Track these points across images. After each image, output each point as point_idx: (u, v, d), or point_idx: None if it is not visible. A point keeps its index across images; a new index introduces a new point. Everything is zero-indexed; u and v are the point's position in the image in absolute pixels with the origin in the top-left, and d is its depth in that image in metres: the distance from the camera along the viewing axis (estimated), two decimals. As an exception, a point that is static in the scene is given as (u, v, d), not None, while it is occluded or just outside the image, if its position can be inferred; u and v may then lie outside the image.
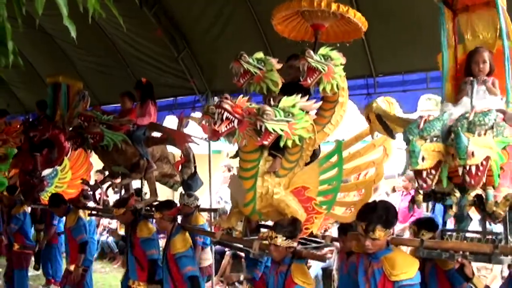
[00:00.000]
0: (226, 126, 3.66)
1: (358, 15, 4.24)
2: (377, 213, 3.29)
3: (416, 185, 3.17)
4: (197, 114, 7.70)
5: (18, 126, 8.30)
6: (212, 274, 7.86)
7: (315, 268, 7.87)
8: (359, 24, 4.28)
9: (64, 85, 7.73)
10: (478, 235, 3.44)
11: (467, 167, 2.89)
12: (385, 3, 5.48)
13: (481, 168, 2.90)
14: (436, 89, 5.61)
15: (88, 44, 8.54)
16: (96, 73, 9.38)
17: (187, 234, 5.08)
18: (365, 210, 3.39)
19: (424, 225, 3.91)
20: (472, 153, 2.83)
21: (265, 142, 3.69)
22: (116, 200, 6.07)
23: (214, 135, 3.73)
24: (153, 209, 5.33)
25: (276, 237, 3.70)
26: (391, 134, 3.75)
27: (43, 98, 8.05)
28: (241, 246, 4.42)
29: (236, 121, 3.69)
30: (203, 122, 3.80)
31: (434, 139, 3.03)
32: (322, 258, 4.01)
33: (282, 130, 3.67)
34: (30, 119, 9.29)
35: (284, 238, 3.70)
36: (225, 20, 7.02)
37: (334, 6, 4.04)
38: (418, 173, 3.03)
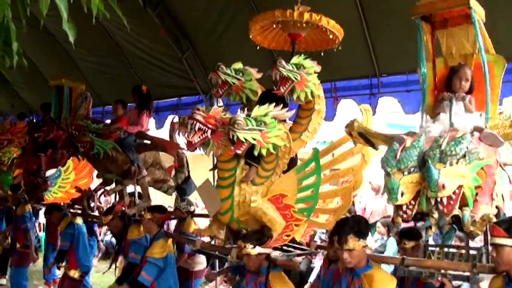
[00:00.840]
0: (199, 137, 3.71)
1: (332, 23, 4.24)
2: (348, 225, 3.38)
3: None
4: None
5: (23, 126, 8.40)
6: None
7: (318, 268, 7.89)
8: (334, 31, 4.27)
9: (67, 88, 7.79)
10: (461, 250, 3.48)
11: (439, 198, 2.96)
12: (389, 3, 5.46)
13: (453, 197, 2.97)
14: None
15: (92, 45, 8.62)
16: (99, 74, 9.46)
17: (169, 241, 5.13)
18: (337, 225, 3.50)
19: (405, 235, 3.98)
20: (443, 185, 2.89)
21: (239, 151, 3.73)
22: (105, 209, 6.16)
23: (189, 146, 3.79)
24: (144, 210, 5.37)
25: (245, 246, 3.77)
26: (373, 145, 3.78)
27: (46, 98, 8.14)
28: (219, 254, 4.47)
29: (209, 131, 3.73)
30: (180, 134, 3.86)
31: (412, 169, 3.06)
32: (294, 266, 4.03)
33: (254, 139, 3.70)
34: (34, 120, 9.45)
35: (252, 246, 3.76)
36: (229, 20, 7.05)
37: (306, 16, 4.04)
38: (398, 206, 3.11)
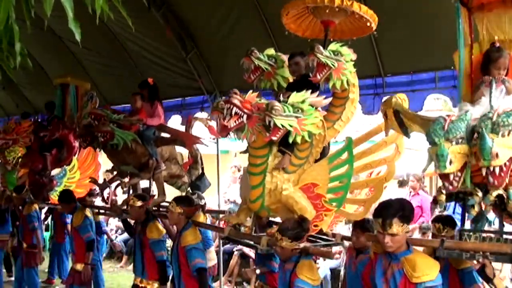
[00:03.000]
0: (235, 121, 3.66)
1: (365, 8, 4.19)
2: (393, 208, 3.21)
3: (440, 186, 3.18)
4: (205, 115, 7.69)
5: (28, 126, 8.28)
6: (220, 274, 7.88)
7: (323, 269, 7.84)
8: (368, 18, 4.23)
9: (73, 86, 7.76)
10: (496, 235, 3.44)
11: (491, 168, 2.90)
12: (394, 2, 5.43)
13: (504, 169, 2.92)
14: (444, 88, 5.60)
15: (97, 45, 8.54)
16: (104, 74, 9.39)
17: (197, 229, 5.05)
18: (381, 207, 3.33)
19: (447, 222, 3.95)
20: (497, 154, 2.83)
21: (274, 138, 3.67)
22: (137, 193, 6.02)
23: (223, 131, 3.73)
24: (171, 203, 5.21)
25: (282, 239, 3.69)
26: (406, 132, 3.69)
27: (51, 98, 8.11)
28: (249, 242, 4.39)
29: (245, 116, 3.68)
30: (213, 118, 3.79)
31: (459, 140, 3.01)
32: (329, 255, 3.95)
33: (291, 126, 3.65)
34: (39, 119, 9.34)
35: (290, 240, 3.68)
36: (234, 20, 7.00)
37: (338, 1, 3.99)
38: (445, 176, 3.02)
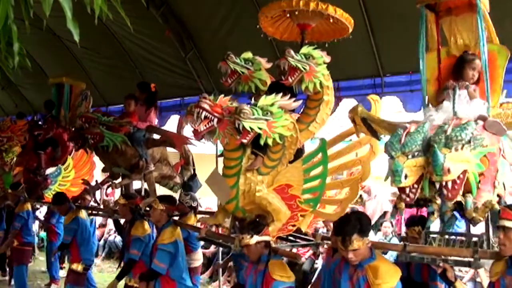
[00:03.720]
0: (205, 125, 3.71)
1: (340, 12, 4.22)
2: (351, 224, 3.30)
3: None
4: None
5: (23, 124, 8.39)
6: (219, 274, 7.95)
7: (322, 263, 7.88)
8: (343, 21, 4.25)
9: (67, 86, 7.83)
10: (462, 237, 3.47)
11: (444, 182, 2.94)
12: (393, 3, 5.46)
13: (458, 181, 2.95)
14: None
15: (96, 45, 8.60)
16: (103, 73, 9.47)
17: (178, 229, 5.13)
18: (339, 224, 3.41)
19: (413, 222, 4.13)
20: (448, 169, 2.87)
21: (244, 140, 3.72)
22: (124, 193, 6.16)
23: (195, 134, 3.79)
24: (154, 200, 5.31)
25: (243, 238, 3.76)
26: (376, 135, 3.77)
27: (50, 99, 8.15)
28: (223, 242, 4.45)
29: (215, 120, 3.73)
30: (187, 122, 3.85)
31: (416, 153, 3.05)
32: (295, 257, 4.02)
33: (260, 129, 3.69)
34: (38, 119, 9.44)
35: (250, 236, 3.74)
36: (233, 20, 7.04)
37: (313, 5, 4.02)
38: (401, 189, 3.08)
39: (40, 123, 8.31)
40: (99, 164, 8.81)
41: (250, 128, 3.64)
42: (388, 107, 7.03)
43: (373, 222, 9.34)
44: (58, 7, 2.50)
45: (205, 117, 3.68)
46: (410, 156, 3.02)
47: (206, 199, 9.73)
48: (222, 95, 3.87)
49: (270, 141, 3.80)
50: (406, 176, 2.97)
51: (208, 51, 7.66)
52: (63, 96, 7.86)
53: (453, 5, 3.62)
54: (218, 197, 4.21)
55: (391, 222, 9.06)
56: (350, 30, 4.45)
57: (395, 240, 8.43)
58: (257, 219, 3.87)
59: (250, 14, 6.66)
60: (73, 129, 7.75)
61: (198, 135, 3.75)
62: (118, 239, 11.04)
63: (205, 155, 6.97)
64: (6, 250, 8.00)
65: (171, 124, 8.57)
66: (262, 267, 3.79)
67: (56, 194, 7.05)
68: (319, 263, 8.00)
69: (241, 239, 3.78)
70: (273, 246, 3.82)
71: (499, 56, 3.58)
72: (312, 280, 7.93)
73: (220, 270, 7.98)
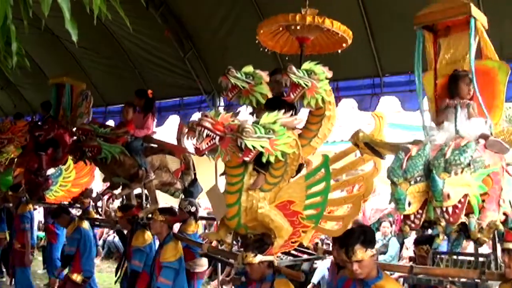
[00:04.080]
0: (207, 143, 3.68)
1: (337, 24, 4.21)
2: (354, 236, 3.32)
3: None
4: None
5: (24, 125, 8.34)
6: (218, 274, 7.96)
7: (321, 269, 7.91)
8: (342, 34, 4.22)
9: (68, 86, 7.76)
10: (470, 258, 3.46)
11: (444, 208, 2.92)
12: (392, 3, 5.44)
13: (459, 206, 2.94)
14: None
15: (95, 45, 8.60)
16: (102, 73, 9.44)
17: (179, 244, 5.10)
18: (343, 237, 3.45)
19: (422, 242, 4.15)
20: (448, 195, 2.86)
21: (246, 159, 3.68)
22: (121, 204, 6.17)
23: (197, 152, 3.77)
24: (154, 212, 5.33)
25: (246, 255, 3.73)
26: (380, 156, 3.73)
27: (49, 98, 8.10)
28: (225, 259, 4.42)
29: (217, 138, 3.69)
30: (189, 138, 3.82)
31: (418, 178, 3.03)
32: (297, 277, 3.99)
33: (262, 147, 3.65)
34: (36, 119, 9.39)
35: (254, 255, 3.72)
36: (232, 21, 7.02)
37: (309, 19, 3.98)
38: (406, 216, 3.09)
39: (39, 123, 8.28)
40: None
41: (253, 146, 3.61)
42: (387, 107, 7.02)
43: (375, 220, 9.37)
44: (57, 7, 2.50)
45: (207, 135, 3.65)
46: (412, 182, 3.01)
47: (206, 202, 9.73)
48: (224, 112, 3.82)
49: (272, 159, 3.76)
50: (409, 204, 2.96)
51: (207, 51, 7.66)
52: (63, 96, 7.81)
53: (451, 24, 3.60)
54: (214, 212, 4.18)
55: (390, 222, 9.07)
56: (349, 42, 4.39)
57: (394, 240, 8.46)
58: (263, 238, 3.82)
59: (249, 14, 6.66)
60: (74, 129, 7.81)
61: (200, 152, 3.73)
62: (117, 239, 11.06)
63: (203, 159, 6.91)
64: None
65: (170, 123, 8.59)
66: (267, 286, 3.78)
67: (55, 210, 7.07)
68: (318, 263, 8.03)
69: (245, 257, 3.75)
70: (275, 266, 3.79)
71: (500, 72, 3.56)
72: (312, 281, 8.01)
73: (219, 270, 7.97)
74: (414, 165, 3.01)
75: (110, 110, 9.57)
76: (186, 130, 3.86)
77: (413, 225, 3.09)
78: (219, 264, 7.74)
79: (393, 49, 5.82)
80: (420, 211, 3.06)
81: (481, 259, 3.40)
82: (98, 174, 8.85)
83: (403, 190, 2.94)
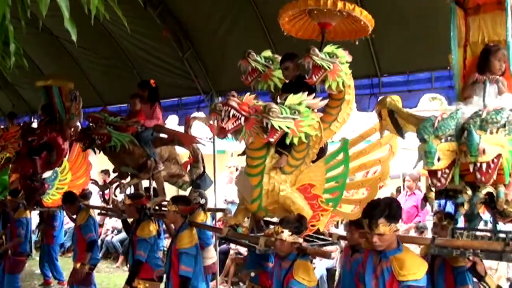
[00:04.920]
0: (233, 124, 3.70)
1: (365, 13, 4.24)
2: (379, 209, 3.21)
3: (429, 183, 3.16)
4: (202, 115, 7.77)
5: (16, 131, 8.24)
6: (217, 274, 7.89)
7: (319, 269, 7.88)
8: (365, 21, 4.27)
9: (56, 87, 7.76)
10: (488, 234, 3.44)
11: (478, 164, 2.90)
12: (390, 3, 5.48)
13: (492, 165, 2.91)
14: (441, 88, 5.65)
15: (94, 45, 8.56)
16: (101, 73, 9.42)
17: (194, 230, 5.07)
18: (368, 207, 3.33)
19: (448, 214, 3.99)
20: (483, 150, 2.84)
21: (271, 139, 3.71)
22: (131, 193, 6.12)
23: (221, 133, 3.77)
24: (168, 201, 5.31)
25: (282, 231, 3.69)
26: (401, 132, 3.70)
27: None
28: (247, 242, 4.41)
29: (243, 119, 3.72)
30: (210, 120, 3.82)
31: (449, 138, 3.03)
32: (326, 255, 4.00)
33: (288, 128, 3.69)
34: (34, 120, 9.26)
35: (290, 233, 3.69)
36: (231, 21, 7.04)
37: (340, 5, 4.03)
38: (433, 173, 3.02)
39: (33, 126, 8.18)
40: (95, 165, 8.80)
41: (279, 127, 3.64)
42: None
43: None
44: (55, 6, 2.51)
45: (233, 115, 3.66)
46: (443, 140, 3.00)
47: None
48: (248, 93, 3.85)
49: (296, 140, 3.80)
50: (439, 159, 2.92)
51: (206, 51, 7.67)
52: (54, 99, 7.78)
53: (481, 2, 3.63)
54: (246, 197, 4.17)
55: None
56: (370, 30, 4.46)
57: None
58: (301, 220, 3.81)
59: (248, 14, 6.69)
60: (71, 130, 7.75)
61: (224, 133, 3.73)
62: (115, 239, 10.99)
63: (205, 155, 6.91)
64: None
65: (169, 123, 8.51)
66: (287, 264, 3.77)
67: (66, 193, 6.93)
68: (316, 263, 7.98)
69: (280, 232, 3.69)
70: (302, 246, 3.79)
71: None
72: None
73: (218, 269, 7.91)
74: (446, 124, 3.01)
75: (111, 111, 9.46)
76: (210, 112, 3.87)
77: (438, 183, 3.02)
78: (218, 265, 7.73)
79: (392, 49, 5.88)
80: (447, 171, 3.00)
81: (501, 235, 3.36)
82: (93, 174, 8.75)
83: (434, 144, 2.92)
